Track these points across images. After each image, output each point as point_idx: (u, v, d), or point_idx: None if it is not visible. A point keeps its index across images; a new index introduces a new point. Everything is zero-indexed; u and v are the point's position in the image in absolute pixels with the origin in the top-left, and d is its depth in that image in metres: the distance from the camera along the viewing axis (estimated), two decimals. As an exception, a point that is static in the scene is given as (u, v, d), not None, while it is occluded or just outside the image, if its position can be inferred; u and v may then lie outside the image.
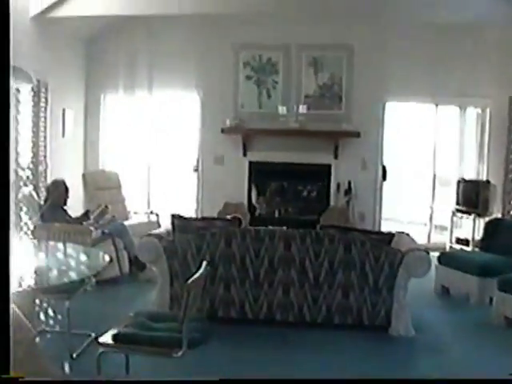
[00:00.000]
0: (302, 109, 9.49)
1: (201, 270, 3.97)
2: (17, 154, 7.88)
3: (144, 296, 6.48)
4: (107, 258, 4.71)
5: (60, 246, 5.17)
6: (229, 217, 6.39)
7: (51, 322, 5.79)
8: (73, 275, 4.47)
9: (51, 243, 5.29)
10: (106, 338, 3.83)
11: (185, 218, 6.44)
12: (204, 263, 4.09)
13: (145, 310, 4.73)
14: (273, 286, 5.69)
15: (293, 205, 10.00)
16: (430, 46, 9.38)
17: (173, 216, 6.32)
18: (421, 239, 8.83)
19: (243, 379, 2.09)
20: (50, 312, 5.93)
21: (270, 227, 8.17)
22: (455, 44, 9.34)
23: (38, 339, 5.22)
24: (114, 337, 3.80)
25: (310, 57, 9.66)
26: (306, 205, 9.98)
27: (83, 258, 4.85)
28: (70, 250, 5.02)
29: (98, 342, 3.85)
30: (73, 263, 4.80)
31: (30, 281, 4.24)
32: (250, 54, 9.74)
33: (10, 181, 1.51)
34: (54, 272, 4.70)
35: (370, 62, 9.52)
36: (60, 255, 5.03)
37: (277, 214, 9.95)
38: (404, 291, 5.68)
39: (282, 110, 9.55)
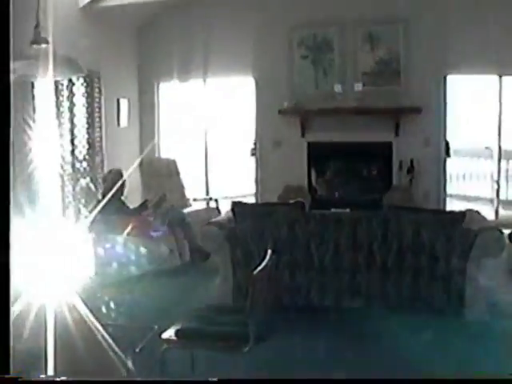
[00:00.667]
0: (358, 87, 9.22)
1: (266, 260, 3.79)
2: (73, 146, 7.85)
3: (206, 286, 6.34)
4: (167, 250, 4.60)
5: (119, 238, 5.08)
6: (292, 201, 6.17)
7: (113, 315, 5.72)
8: (133, 269, 4.40)
9: (110, 236, 5.21)
10: (170, 334, 3.69)
11: (246, 205, 6.26)
12: (269, 252, 3.91)
13: (208, 302, 4.57)
14: (339, 272, 5.47)
15: (354, 185, 9.75)
16: (491, 14, 8.93)
17: (233, 203, 6.15)
18: (488, 216, 8.47)
19: (243, 379, 1.96)
20: (112, 305, 5.86)
21: (333, 209, 7.99)
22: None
23: (100, 333, 5.19)
24: (178, 332, 3.66)
25: (366, 32, 9.33)
26: (367, 184, 9.73)
27: (143, 250, 4.75)
28: (129, 243, 4.93)
29: (162, 339, 3.72)
30: (132, 256, 4.70)
31: (90, 275, 4.18)
32: (304, 32, 9.48)
33: (9, 183, 1.39)
34: (114, 265, 4.63)
35: (428, 35, 9.13)
36: (119, 248, 4.95)
37: (338, 195, 9.72)
38: (477, 273, 5.38)
39: (338, 88, 9.30)
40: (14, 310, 3.27)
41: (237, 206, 6.05)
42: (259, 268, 3.65)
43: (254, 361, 3.63)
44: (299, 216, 5.63)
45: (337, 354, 4.62)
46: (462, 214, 5.59)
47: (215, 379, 1.84)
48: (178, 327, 3.71)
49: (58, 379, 1.48)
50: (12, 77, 4.23)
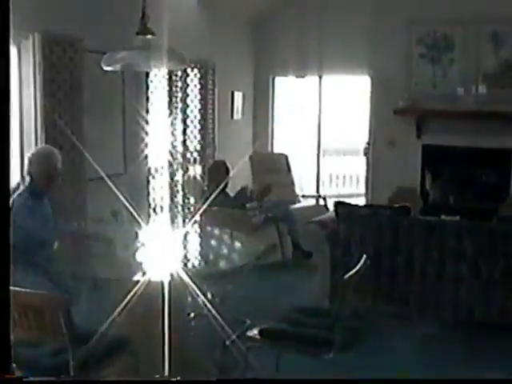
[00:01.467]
0: (482, 89, 8.81)
1: (359, 265, 3.68)
2: (184, 136, 7.96)
3: (305, 284, 6.25)
4: (262, 247, 4.56)
5: (218, 231, 5.08)
6: (396, 205, 5.98)
7: (207, 306, 5.74)
8: (230, 262, 4.41)
9: (209, 228, 5.23)
10: (254, 332, 3.65)
11: (349, 205, 6.12)
12: (364, 257, 3.79)
13: (305, 301, 4.50)
14: (441, 282, 5.23)
15: (469, 192, 9.36)
16: None
17: (336, 203, 6.02)
18: None
19: (243, 379, 1.89)
20: (209, 296, 5.89)
21: (443, 216, 7.70)
22: None
23: (193, 323, 5.24)
24: (261, 331, 3.61)
25: (490, 31, 8.89)
26: (483, 192, 9.29)
27: (238, 244, 4.72)
28: (226, 236, 4.91)
29: (246, 336, 3.68)
30: (228, 250, 4.69)
31: (189, 265, 4.21)
32: (423, 29, 9.14)
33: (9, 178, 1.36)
34: (211, 257, 4.64)
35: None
36: (216, 241, 4.95)
37: (451, 201, 9.38)
38: None
39: (459, 90, 8.93)
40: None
41: (340, 206, 5.91)
42: (351, 272, 3.54)
43: (337, 368, 3.52)
44: (403, 221, 5.43)
45: (429, 372, 4.39)
46: None
47: (215, 379, 1.81)
48: (264, 326, 3.66)
49: (58, 379, 1.45)
50: (118, 66, 4.32)
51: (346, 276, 3.49)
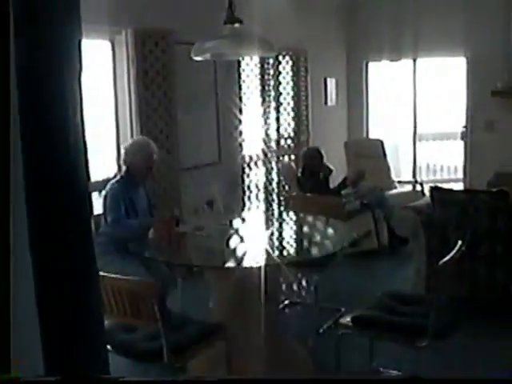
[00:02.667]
0: None
1: (454, 251, 3.59)
2: (278, 123, 7.98)
3: (400, 272, 6.15)
4: (354, 235, 4.52)
5: (312, 218, 5.06)
6: (494, 189, 5.78)
7: (302, 294, 5.76)
8: (316, 251, 4.39)
9: (302, 215, 5.21)
10: (347, 319, 3.62)
11: (445, 190, 5.98)
12: (459, 243, 3.71)
13: (393, 289, 4.42)
14: (542, 269, 5.04)
15: None
16: None
17: (432, 188, 5.89)
18: None
19: (243, 379, 1.84)
20: (304, 284, 5.91)
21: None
22: None
23: (286, 311, 5.27)
24: (354, 319, 3.58)
25: None
26: None
27: (332, 231, 4.69)
28: (319, 223, 4.88)
29: (339, 323, 3.67)
30: (319, 237, 4.66)
31: (284, 252, 4.21)
32: (524, 7, 8.78)
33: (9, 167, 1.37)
34: (305, 244, 4.64)
35: None
36: (311, 228, 4.93)
37: (556, 187, 8.99)
38: None
39: None
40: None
41: (435, 192, 5.77)
42: (445, 258, 3.46)
43: (431, 356, 3.45)
44: (501, 206, 5.25)
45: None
46: None
47: (215, 379, 1.78)
48: (356, 313, 3.63)
49: (59, 379, 1.47)
50: (208, 55, 4.37)
51: (441, 262, 3.42)
